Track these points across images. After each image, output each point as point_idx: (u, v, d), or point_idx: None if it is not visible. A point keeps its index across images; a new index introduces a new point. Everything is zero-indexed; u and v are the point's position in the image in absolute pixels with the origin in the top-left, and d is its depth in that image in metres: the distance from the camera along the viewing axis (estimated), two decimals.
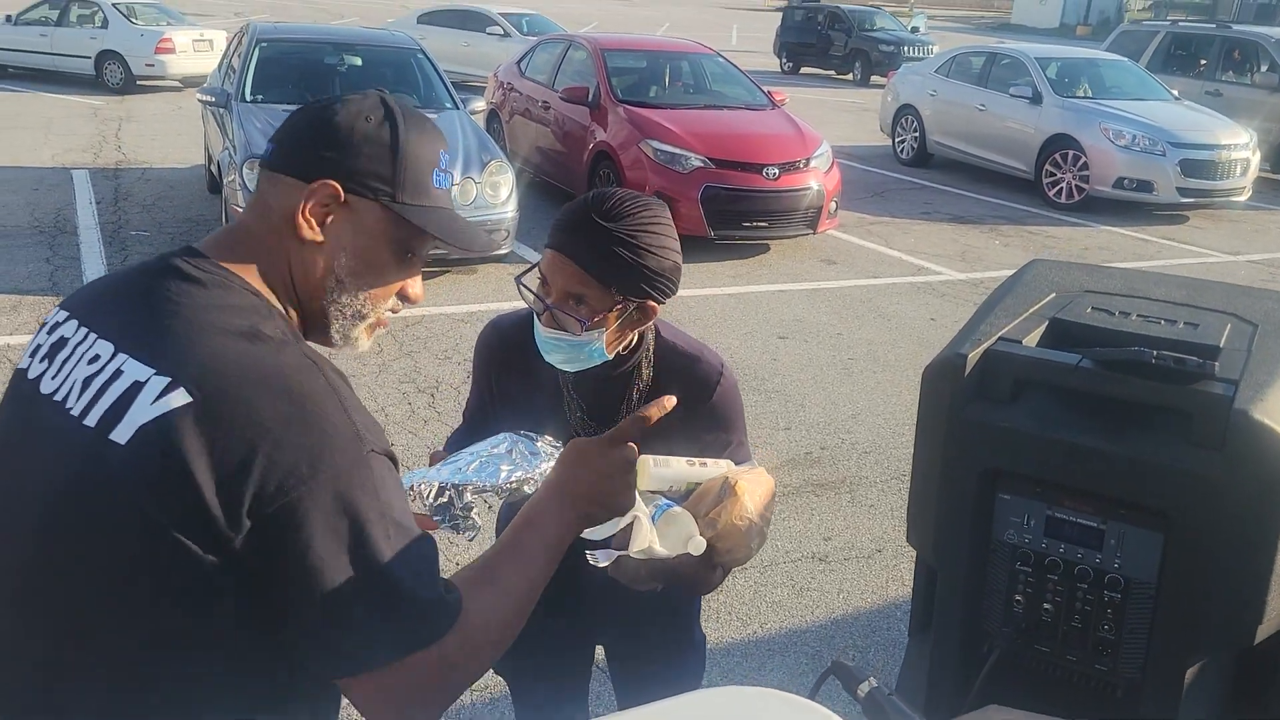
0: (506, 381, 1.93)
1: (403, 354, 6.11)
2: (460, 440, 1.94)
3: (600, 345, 1.72)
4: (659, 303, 1.75)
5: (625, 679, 2.23)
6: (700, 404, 1.85)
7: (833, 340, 6.82)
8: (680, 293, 6.81)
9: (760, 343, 6.70)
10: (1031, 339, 1.41)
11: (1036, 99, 11.61)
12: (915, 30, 27.19)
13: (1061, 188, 11.29)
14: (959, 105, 12.70)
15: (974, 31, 41.21)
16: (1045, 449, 1.32)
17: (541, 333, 1.72)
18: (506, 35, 17.90)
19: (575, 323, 1.68)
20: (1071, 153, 11.13)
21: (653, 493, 1.67)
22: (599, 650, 2.27)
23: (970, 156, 12.62)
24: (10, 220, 8.35)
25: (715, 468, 1.72)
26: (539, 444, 1.67)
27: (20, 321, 6.19)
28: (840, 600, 3.97)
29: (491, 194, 7.62)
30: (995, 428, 1.34)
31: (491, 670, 2.19)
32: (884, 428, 5.51)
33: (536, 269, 1.74)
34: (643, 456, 1.64)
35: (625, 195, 1.70)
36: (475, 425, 2.02)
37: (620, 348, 1.79)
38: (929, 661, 1.47)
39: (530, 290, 1.73)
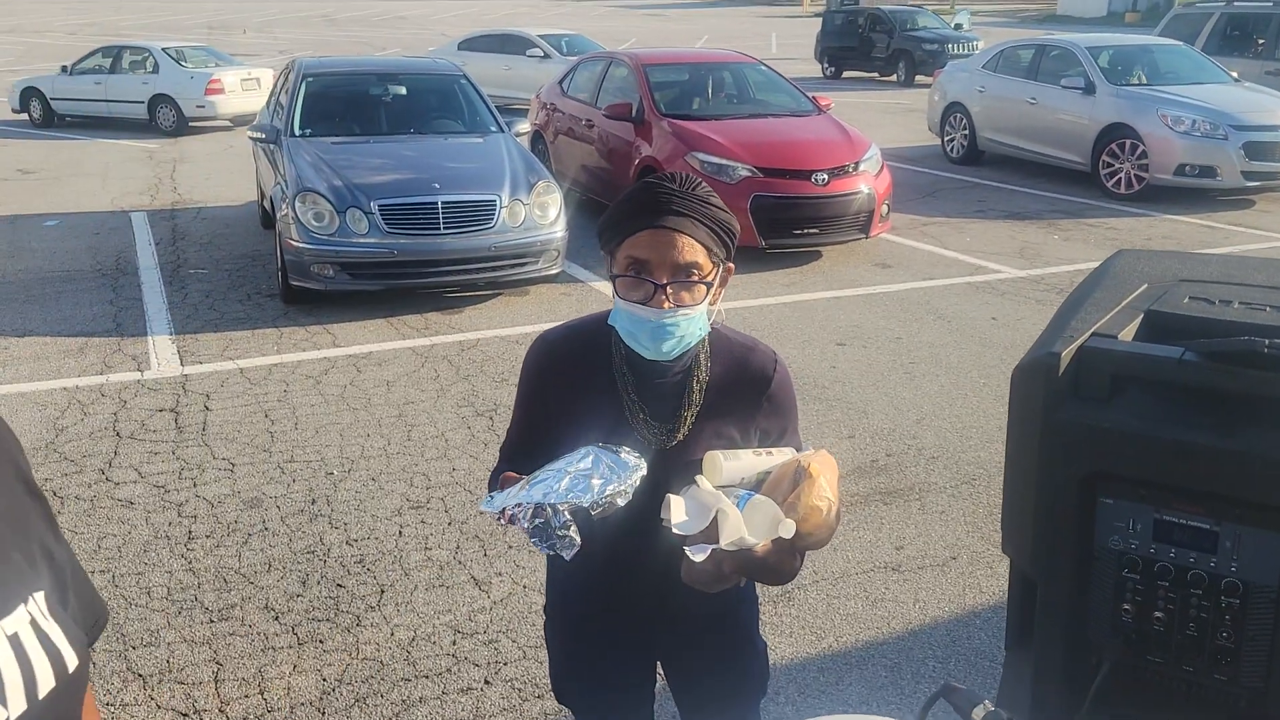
0: (564, 396, 1.88)
1: (459, 378, 6.11)
2: (508, 471, 1.86)
3: (704, 316, 1.78)
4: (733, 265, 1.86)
5: (687, 688, 2.15)
6: (759, 393, 1.89)
7: (892, 345, 6.70)
8: (735, 303, 6.81)
9: (818, 350, 6.60)
10: (1127, 334, 1.33)
11: (1090, 89, 11.38)
12: (959, 27, 26.89)
13: (1120, 178, 11.05)
14: (1009, 100, 12.50)
15: (1019, 25, 40.68)
16: (1149, 449, 1.24)
17: (659, 317, 1.72)
18: (547, 57, 18.00)
19: (700, 288, 1.73)
20: (1129, 142, 10.89)
21: (728, 487, 1.68)
22: (659, 674, 2.19)
23: (1023, 151, 12.41)
24: (74, 265, 8.52)
25: (782, 455, 1.75)
26: (623, 455, 1.65)
27: (87, 363, 6.30)
28: (917, 610, 3.86)
29: (540, 215, 7.62)
30: (1094, 429, 1.26)
31: (556, 700, 2.13)
32: (950, 432, 5.39)
33: (617, 261, 1.76)
34: (711, 453, 1.73)
35: (677, 174, 1.77)
36: (521, 458, 1.92)
37: (708, 327, 1.85)
38: (1032, 677, 1.39)
39: (636, 275, 1.72)
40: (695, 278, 1.72)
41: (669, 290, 1.71)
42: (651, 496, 1.71)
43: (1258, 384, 1.18)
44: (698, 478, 1.71)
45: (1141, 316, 1.37)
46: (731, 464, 1.69)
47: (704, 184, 1.75)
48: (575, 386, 1.87)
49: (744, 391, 1.87)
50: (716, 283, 1.80)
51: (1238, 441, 1.18)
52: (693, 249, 1.70)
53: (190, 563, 4.12)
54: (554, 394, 1.89)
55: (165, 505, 4.58)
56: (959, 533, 4.40)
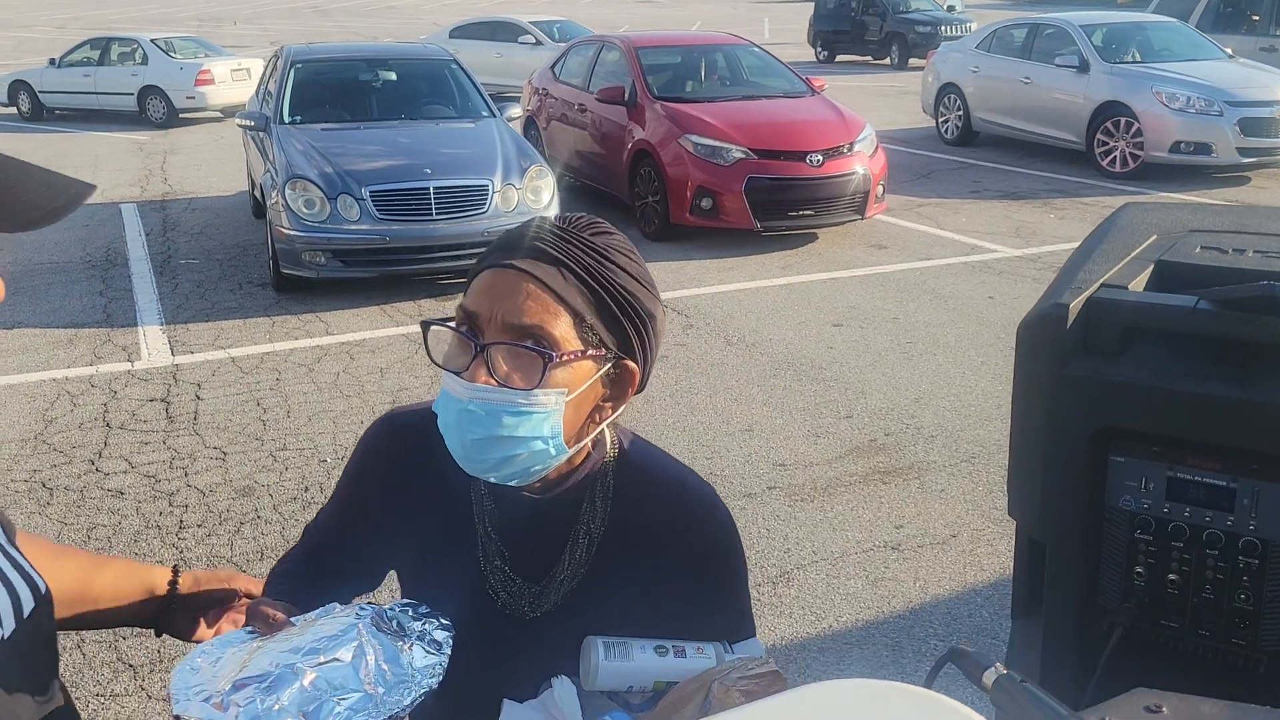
0: (393, 505, 1.31)
1: None
2: (297, 572, 1.38)
3: (558, 420, 1.13)
4: (640, 368, 1.20)
5: None
6: (683, 558, 1.26)
7: (889, 325, 6.65)
8: (730, 286, 6.72)
9: (815, 331, 6.55)
10: (1137, 284, 1.28)
11: (1084, 67, 11.31)
12: (952, 9, 26.77)
13: (1115, 156, 10.98)
14: (1003, 80, 12.43)
15: (1012, 6, 40.53)
16: (1163, 402, 1.18)
17: (461, 395, 1.11)
18: (539, 44, 17.89)
19: (535, 364, 1.11)
20: (1124, 120, 10.82)
21: (605, 694, 1.19)
22: None
23: (1017, 131, 12.34)
24: (63, 256, 8.45)
25: (697, 658, 1.19)
26: (408, 649, 1.07)
27: (77, 355, 6.23)
28: (917, 589, 3.82)
29: (533, 199, 7.56)
30: (1104, 383, 1.21)
31: None
32: (949, 410, 5.34)
33: (458, 312, 1.16)
34: (590, 639, 1.20)
35: (585, 215, 1.22)
36: (321, 552, 1.40)
37: (574, 448, 1.19)
38: (1041, 644, 1.34)
39: (451, 326, 1.15)
40: (541, 345, 1.11)
41: (494, 359, 1.11)
42: (487, 693, 1.25)
43: (1276, 332, 1.12)
44: (556, 679, 1.20)
45: (1152, 267, 1.31)
46: (616, 663, 1.17)
47: (618, 236, 1.20)
48: (413, 499, 1.30)
49: (660, 552, 1.25)
50: (593, 377, 1.16)
51: (1256, 392, 1.13)
52: (545, 306, 1.11)
53: (182, 552, 4.06)
54: (383, 500, 1.32)
55: (156, 495, 4.52)
56: (959, 510, 4.36)
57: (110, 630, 3.52)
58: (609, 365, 1.17)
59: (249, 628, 1.12)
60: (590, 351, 1.14)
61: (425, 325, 1.18)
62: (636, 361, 1.19)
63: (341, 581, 1.37)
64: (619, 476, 1.28)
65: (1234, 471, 1.18)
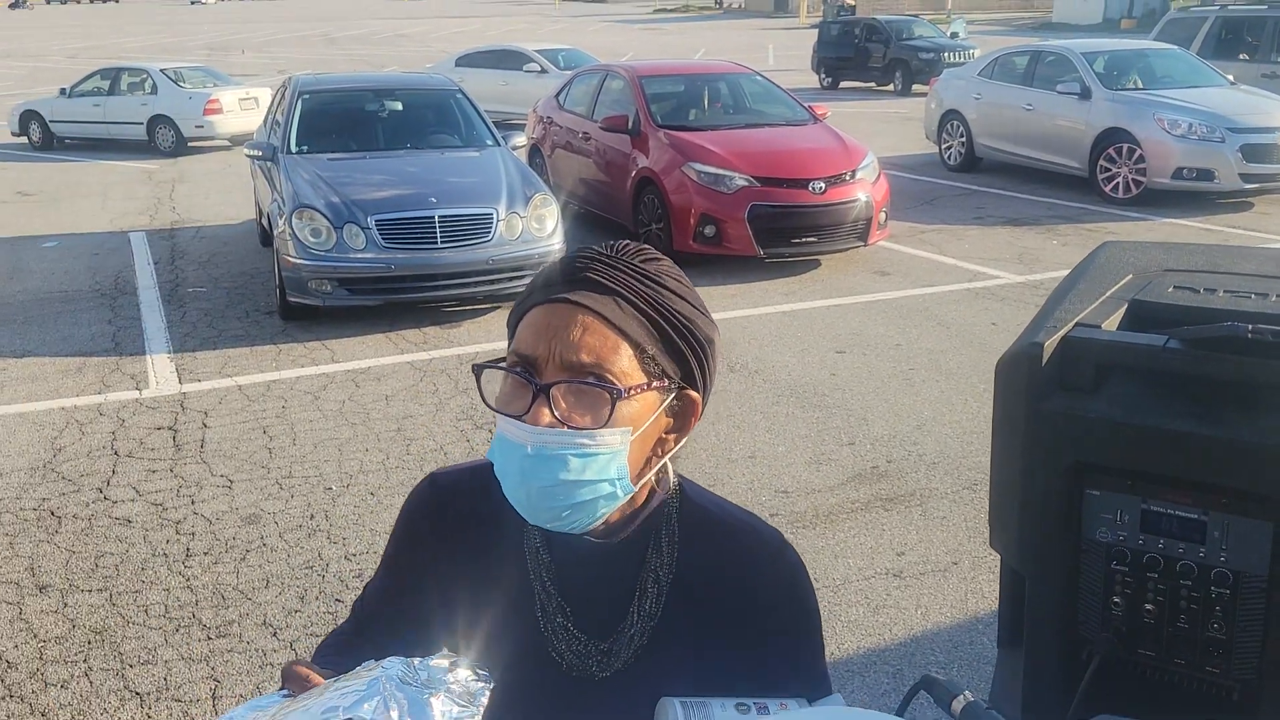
0: (443, 570, 1.23)
1: (458, 391, 6.10)
2: (345, 643, 1.32)
3: (624, 459, 1.08)
4: (701, 396, 1.16)
5: None
6: (756, 604, 1.18)
7: (892, 352, 6.69)
8: (733, 312, 6.78)
9: (818, 358, 6.59)
10: (1111, 323, 1.32)
11: (1085, 94, 11.39)
12: (955, 36, 26.93)
13: (1118, 182, 11.04)
14: (1005, 107, 12.51)
15: (1015, 33, 40.78)
16: (1135, 438, 1.22)
17: (523, 440, 1.05)
18: (544, 72, 18.05)
19: (603, 401, 1.05)
20: (1126, 146, 10.89)
21: None
22: None
23: (1020, 157, 12.41)
24: (73, 285, 8.53)
25: (781, 715, 1.09)
26: (436, 701, 0.98)
27: (86, 383, 6.30)
28: (919, 616, 3.84)
29: (538, 227, 7.63)
30: (1079, 419, 1.25)
31: None
32: (951, 438, 5.37)
33: (510, 356, 1.11)
34: (666, 699, 1.12)
35: (622, 242, 1.18)
36: (371, 623, 1.32)
37: (639, 485, 1.13)
38: (1023, 673, 1.37)
39: (514, 371, 1.08)
40: (604, 381, 1.05)
41: (555, 399, 1.05)
42: None
43: (1242, 370, 1.16)
44: None
45: (1126, 306, 1.36)
46: None
47: (667, 261, 1.16)
48: (465, 557, 1.23)
49: (732, 599, 1.18)
50: (657, 410, 1.10)
51: (1223, 429, 1.17)
52: (604, 340, 1.05)
53: (188, 580, 4.10)
54: (433, 561, 1.24)
55: (163, 523, 4.57)
56: (960, 538, 4.38)
57: (117, 657, 3.56)
58: (672, 396, 1.12)
59: (283, 690, 1.05)
60: (654, 384, 1.09)
61: (478, 370, 1.12)
62: (698, 389, 1.14)
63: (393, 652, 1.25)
64: (683, 518, 1.20)
65: (1205, 505, 1.22)
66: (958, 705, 0.87)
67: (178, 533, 4.48)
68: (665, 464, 1.17)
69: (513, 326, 1.12)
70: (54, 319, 7.61)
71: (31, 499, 4.80)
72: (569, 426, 1.04)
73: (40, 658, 3.61)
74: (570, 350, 1.05)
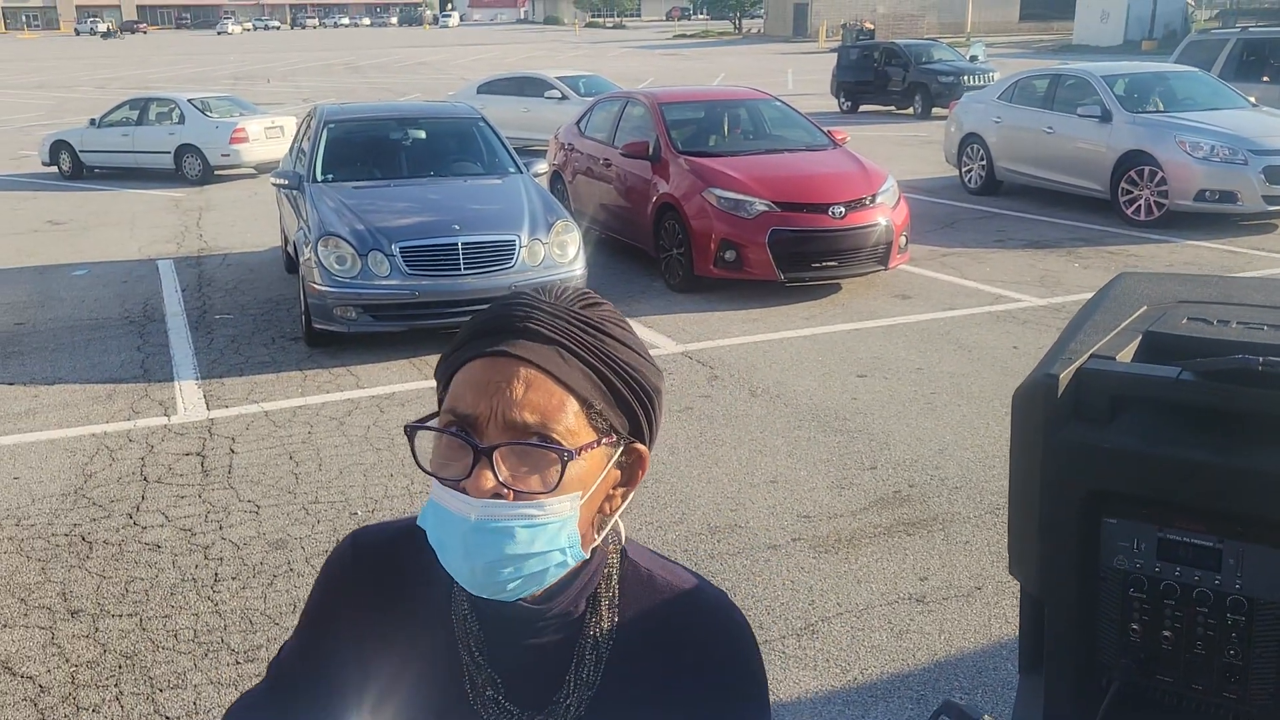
0: (363, 634, 1.15)
1: None
2: (259, 704, 1.24)
3: (574, 525, 1.02)
4: (649, 447, 1.09)
5: None
6: (700, 673, 1.12)
7: (913, 375, 6.70)
8: (754, 337, 6.80)
9: (839, 382, 6.60)
10: (1125, 355, 1.35)
11: (1106, 117, 11.39)
12: (974, 59, 26.99)
13: (1139, 205, 11.02)
14: (1025, 130, 12.53)
15: (1035, 55, 40.82)
16: (1150, 468, 1.25)
17: (464, 513, 0.98)
18: (564, 98, 18.21)
19: (554, 465, 0.99)
20: (1147, 169, 10.88)
21: None
22: None
23: (1041, 180, 12.42)
24: (102, 313, 8.66)
25: None
26: None
27: (115, 409, 6.39)
28: (942, 642, 3.84)
29: (559, 254, 7.69)
30: (1095, 449, 1.28)
31: None
32: (973, 462, 5.37)
33: (440, 417, 1.03)
34: None
35: (559, 285, 1.10)
36: (287, 684, 1.23)
37: (589, 550, 1.07)
38: (1043, 698, 1.40)
39: (450, 431, 1.00)
40: (551, 441, 0.98)
41: (498, 463, 0.98)
42: None
43: (1254, 401, 1.19)
44: None
45: (1140, 338, 1.38)
46: None
47: (608, 307, 1.08)
48: (387, 625, 1.14)
49: (673, 666, 1.12)
50: (606, 467, 1.04)
51: (1236, 458, 1.19)
52: (549, 396, 0.98)
53: (217, 605, 4.15)
54: (349, 630, 1.16)
55: (192, 548, 4.63)
56: (984, 563, 4.38)
57: (147, 682, 3.61)
58: (619, 451, 1.05)
59: None
60: (603, 440, 1.02)
61: (410, 430, 1.02)
62: (645, 442, 1.07)
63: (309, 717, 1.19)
64: (623, 579, 1.13)
65: (1220, 533, 1.24)
66: None
67: (206, 558, 4.53)
68: (616, 521, 1.11)
69: (445, 379, 1.04)
70: (84, 346, 7.72)
71: (63, 524, 4.87)
72: (514, 491, 0.97)
73: (72, 682, 3.66)
74: (513, 408, 0.97)
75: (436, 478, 1.00)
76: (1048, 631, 1.38)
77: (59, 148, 17.24)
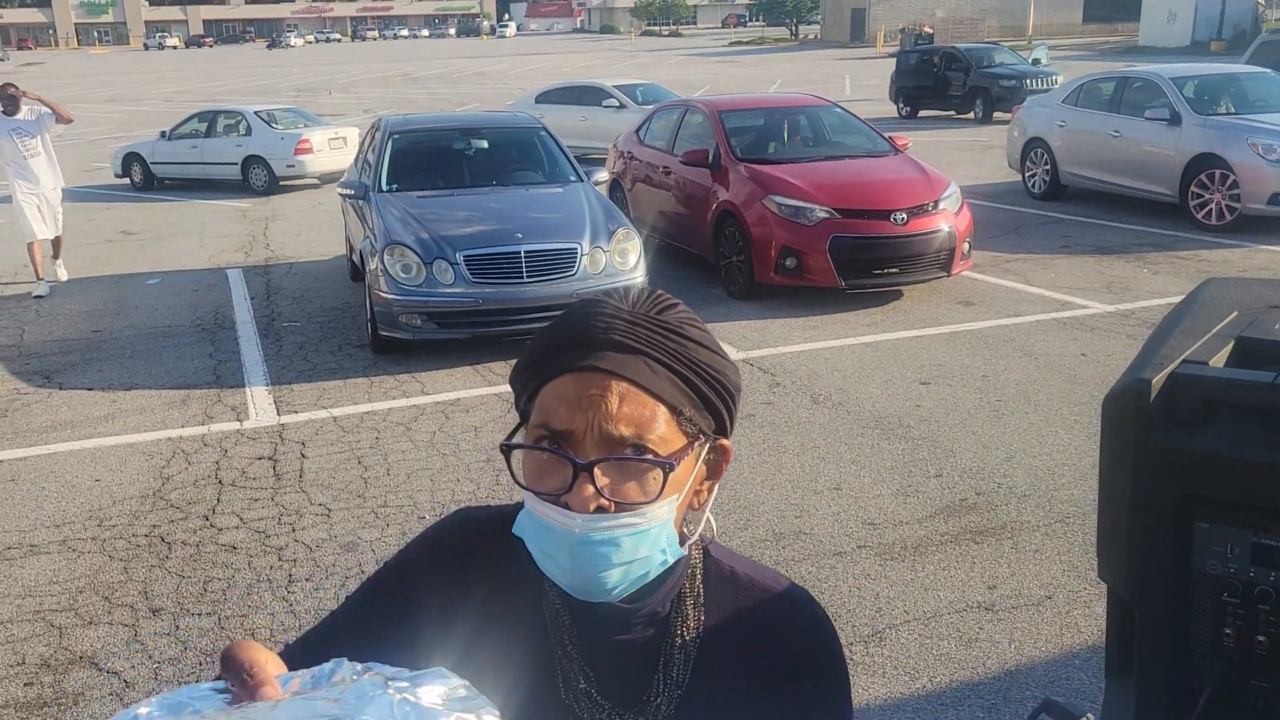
0: (455, 611, 1.13)
1: None
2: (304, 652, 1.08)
3: (672, 528, 1.05)
4: (729, 439, 1.11)
5: None
6: (787, 670, 1.13)
7: (978, 383, 6.63)
8: (816, 344, 6.79)
9: (902, 389, 6.56)
10: (1218, 360, 1.34)
11: (1175, 120, 11.19)
12: (1037, 62, 26.63)
13: (1211, 209, 10.81)
14: (1091, 134, 12.35)
15: (1099, 58, 40.15)
16: (1245, 472, 1.24)
17: (582, 528, 0.99)
18: (622, 107, 18.30)
19: (655, 476, 1.01)
20: (1219, 172, 10.66)
21: None
22: None
23: (1107, 185, 12.22)
24: (176, 320, 8.88)
25: None
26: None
27: (190, 414, 6.55)
28: (1013, 651, 3.80)
29: (620, 261, 7.74)
30: (1188, 453, 1.27)
31: None
32: (1042, 470, 5.31)
33: (528, 431, 1.05)
34: None
35: (639, 288, 1.12)
36: (341, 638, 1.12)
37: (686, 546, 1.10)
38: (1133, 704, 1.39)
39: (548, 448, 1.01)
40: (646, 452, 1.00)
41: (598, 476, 0.99)
42: None
43: None
44: None
45: (1232, 343, 1.37)
46: None
47: (682, 307, 1.09)
48: (479, 610, 1.13)
49: (760, 665, 1.13)
50: (698, 472, 1.07)
51: None
52: (642, 407, 1.00)
53: (291, 605, 4.25)
54: (444, 609, 1.12)
55: (266, 550, 4.73)
56: (1054, 572, 4.33)
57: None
58: (706, 449, 1.08)
59: (216, 683, 0.79)
60: (693, 444, 1.04)
61: (506, 450, 1.03)
62: (728, 436, 1.10)
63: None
64: (709, 582, 1.15)
65: None
66: None
67: (280, 559, 4.64)
68: (706, 515, 1.12)
69: (528, 392, 1.05)
70: (159, 353, 7.93)
71: (143, 525, 5.01)
72: (614, 502, 0.99)
73: (155, 678, 3.77)
74: (609, 422, 0.99)
75: (533, 492, 1.02)
76: (1138, 636, 1.38)
77: (131, 160, 17.71)
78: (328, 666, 0.80)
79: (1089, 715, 0.90)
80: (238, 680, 0.76)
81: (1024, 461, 5.41)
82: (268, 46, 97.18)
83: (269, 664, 0.77)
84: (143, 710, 0.73)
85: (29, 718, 3.58)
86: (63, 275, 10.17)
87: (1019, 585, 4.23)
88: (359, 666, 0.79)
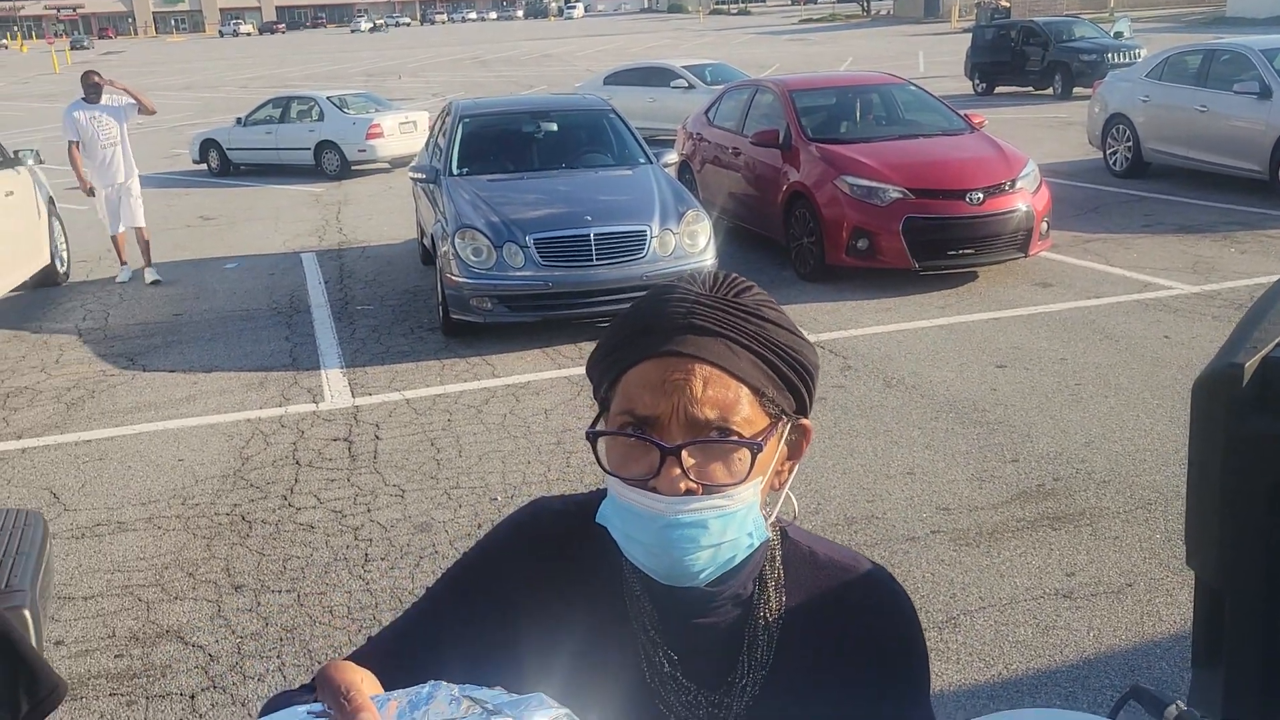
0: (540, 610, 1.13)
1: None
2: (383, 652, 1.11)
3: (757, 509, 1.06)
4: (808, 418, 1.12)
5: None
6: (868, 647, 1.15)
7: (1056, 366, 6.49)
8: (888, 327, 6.73)
9: (977, 373, 6.45)
10: None
11: (1265, 94, 10.79)
12: (1119, 35, 25.84)
13: None
14: (1176, 109, 11.97)
15: (1185, 30, 38.90)
16: None
17: (670, 510, 1.00)
18: (691, 87, 18.20)
19: (742, 457, 1.02)
20: None
21: None
22: None
23: (1193, 161, 11.85)
24: (253, 304, 9.08)
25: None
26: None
27: (268, 396, 6.70)
28: (1091, 639, 3.73)
29: (690, 243, 7.72)
30: None
31: None
32: (1122, 455, 5.18)
33: (610, 418, 1.06)
34: None
35: (715, 273, 1.12)
36: (394, 663, 1.07)
37: (769, 529, 1.11)
38: (1222, 689, 1.36)
39: (635, 434, 1.02)
40: (730, 434, 1.01)
41: (685, 459, 1.00)
42: None
43: None
44: None
45: None
46: None
47: (756, 289, 1.09)
48: (560, 601, 1.14)
49: (841, 642, 1.15)
50: (780, 452, 1.08)
51: None
52: (726, 390, 1.01)
53: (368, 583, 4.33)
54: (526, 601, 1.13)
55: (343, 529, 4.83)
56: (1135, 559, 4.23)
57: (306, 655, 3.78)
58: (787, 429, 1.08)
59: (313, 705, 0.80)
60: (777, 425, 1.06)
61: (592, 437, 1.06)
62: (808, 415, 1.10)
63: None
64: (788, 563, 1.16)
65: None
66: (1170, 714, 0.89)
67: (356, 539, 4.72)
68: (787, 494, 1.13)
69: (609, 378, 1.06)
70: (237, 335, 8.11)
71: (225, 504, 5.14)
72: (702, 485, 1.00)
73: (238, 652, 3.87)
74: (694, 406, 1.00)
75: (618, 477, 1.03)
76: (1229, 622, 1.34)
77: (208, 146, 18.10)
78: (424, 690, 0.80)
79: (1178, 702, 0.87)
80: (335, 703, 0.78)
81: (1104, 447, 5.29)
82: (351, 31, 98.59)
83: (364, 684, 0.79)
84: None
85: (119, 688, 3.70)
86: (149, 278, 9.83)
87: (1098, 572, 4.15)
88: (455, 690, 0.79)
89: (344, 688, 0.78)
